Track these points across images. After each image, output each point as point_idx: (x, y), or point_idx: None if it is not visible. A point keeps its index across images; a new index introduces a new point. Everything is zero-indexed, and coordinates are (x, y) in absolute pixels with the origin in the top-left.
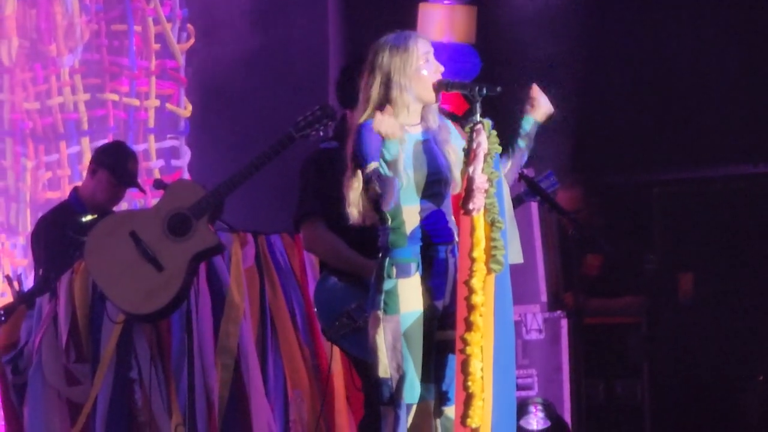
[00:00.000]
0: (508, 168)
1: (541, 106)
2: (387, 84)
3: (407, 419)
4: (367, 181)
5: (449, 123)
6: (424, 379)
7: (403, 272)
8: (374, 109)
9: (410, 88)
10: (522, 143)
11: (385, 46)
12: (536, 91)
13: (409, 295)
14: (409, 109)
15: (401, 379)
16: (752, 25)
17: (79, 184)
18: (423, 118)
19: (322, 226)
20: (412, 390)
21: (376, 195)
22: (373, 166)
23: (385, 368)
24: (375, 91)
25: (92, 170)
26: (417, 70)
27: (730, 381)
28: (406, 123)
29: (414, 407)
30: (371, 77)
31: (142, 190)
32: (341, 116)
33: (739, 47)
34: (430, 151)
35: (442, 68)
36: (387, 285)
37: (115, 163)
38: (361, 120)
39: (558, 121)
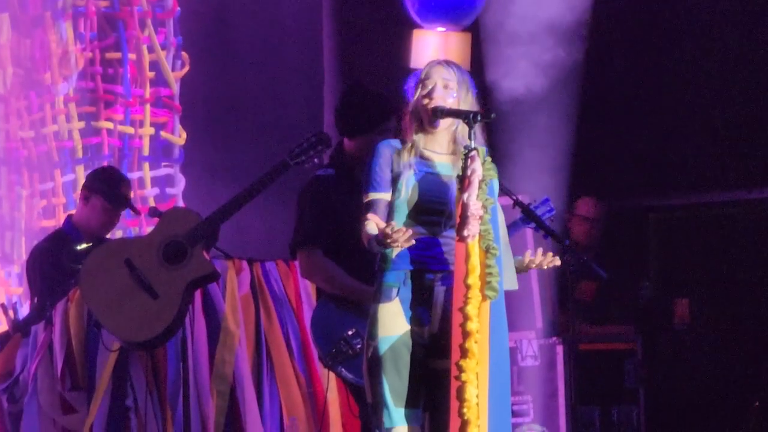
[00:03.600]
0: None
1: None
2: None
3: None
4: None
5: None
6: (410, 405)
7: (385, 296)
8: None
9: (416, 116)
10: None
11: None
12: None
13: (387, 319)
14: (417, 135)
15: (378, 404)
16: (751, 54)
17: (73, 212)
18: (455, 152)
19: (319, 253)
20: (389, 415)
21: (366, 236)
22: (372, 197)
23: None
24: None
25: (85, 197)
26: (419, 98)
27: (726, 407)
28: (430, 149)
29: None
30: None
31: (137, 212)
32: (338, 143)
33: (737, 75)
34: (442, 182)
35: (441, 97)
36: (371, 309)
37: (108, 188)
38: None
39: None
